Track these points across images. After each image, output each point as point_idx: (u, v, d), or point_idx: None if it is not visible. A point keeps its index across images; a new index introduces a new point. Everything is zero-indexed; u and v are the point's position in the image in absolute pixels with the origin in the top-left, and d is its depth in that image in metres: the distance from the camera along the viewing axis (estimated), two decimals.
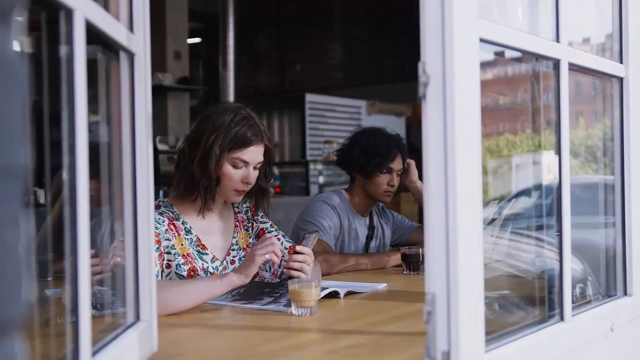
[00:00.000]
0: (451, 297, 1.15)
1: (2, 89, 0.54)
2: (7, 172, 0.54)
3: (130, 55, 1.32)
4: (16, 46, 0.58)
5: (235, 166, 2.18)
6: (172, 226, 2.15)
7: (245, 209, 2.40)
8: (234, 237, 2.32)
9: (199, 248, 2.20)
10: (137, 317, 1.35)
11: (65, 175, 1.01)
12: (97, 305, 1.35)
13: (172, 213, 2.19)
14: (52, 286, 1.36)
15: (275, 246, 1.99)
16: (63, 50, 0.99)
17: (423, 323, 1.17)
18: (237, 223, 2.36)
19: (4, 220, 0.54)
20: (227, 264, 2.26)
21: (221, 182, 2.19)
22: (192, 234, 2.20)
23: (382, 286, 2.31)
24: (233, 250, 2.31)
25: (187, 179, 2.18)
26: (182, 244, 2.15)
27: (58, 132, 1.01)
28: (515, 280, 1.83)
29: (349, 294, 2.14)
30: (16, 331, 0.57)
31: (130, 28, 1.33)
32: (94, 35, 1.10)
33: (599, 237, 1.94)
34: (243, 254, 2.31)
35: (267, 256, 1.97)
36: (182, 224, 2.20)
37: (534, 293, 1.74)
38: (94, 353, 1.07)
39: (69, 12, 0.98)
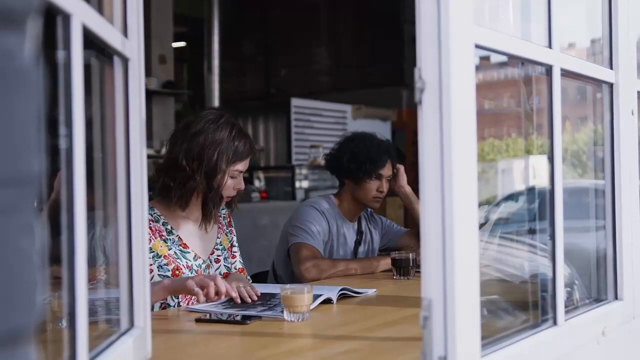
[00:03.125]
0: (448, 302, 1.15)
1: (18, 96, 0.53)
2: (22, 180, 0.53)
3: (125, 61, 1.32)
4: (31, 53, 0.58)
5: (232, 177, 2.27)
6: (149, 229, 2.18)
7: (223, 216, 2.48)
8: (218, 237, 2.40)
9: (180, 247, 2.26)
10: (132, 324, 1.34)
11: (58, 180, 1.00)
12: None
13: (151, 215, 2.23)
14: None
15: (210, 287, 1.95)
16: (60, 55, 0.99)
17: (417, 328, 1.17)
18: (220, 225, 2.44)
19: (19, 227, 0.54)
20: (210, 262, 2.34)
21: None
22: (173, 234, 2.26)
23: (372, 291, 2.32)
24: (217, 249, 2.39)
25: (188, 193, 2.23)
26: (161, 246, 2.21)
27: (53, 136, 1.00)
28: (507, 285, 1.84)
29: (342, 297, 2.15)
30: (31, 338, 0.56)
31: (125, 33, 1.32)
32: (89, 40, 1.09)
33: (587, 241, 1.95)
34: (227, 254, 2.41)
35: (195, 289, 1.92)
36: (163, 225, 2.25)
37: (525, 297, 1.75)
38: None
39: (67, 17, 0.97)
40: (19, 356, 0.55)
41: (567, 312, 1.53)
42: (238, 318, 1.85)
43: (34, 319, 0.57)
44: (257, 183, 7.49)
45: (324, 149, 7.09)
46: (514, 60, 1.59)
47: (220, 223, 2.43)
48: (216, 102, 8.94)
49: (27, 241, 0.55)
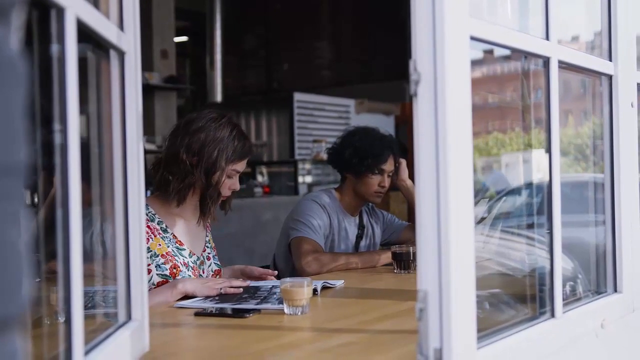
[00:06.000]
0: (443, 294, 1.15)
1: (3, 87, 0.54)
2: (9, 170, 0.54)
3: (121, 54, 1.32)
4: (16, 44, 0.58)
5: (229, 176, 2.29)
6: (147, 228, 2.20)
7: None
8: (207, 236, 2.44)
9: (177, 245, 2.28)
10: (129, 317, 1.34)
11: (56, 175, 1.00)
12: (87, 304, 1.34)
13: (147, 215, 2.24)
14: (42, 287, 1.34)
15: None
16: (54, 48, 0.99)
17: (415, 320, 1.17)
18: (208, 224, 2.47)
19: (6, 217, 0.54)
20: (203, 258, 2.38)
21: None
22: (168, 232, 2.28)
23: (340, 283, 2.34)
24: (208, 247, 2.43)
25: (186, 188, 2.25)
26: (159, 244, 2.23)
27: (48, 132, 1.00)
28: (506, 278, 1.84)
29: (324, 289, 2.19)
30: (17, 328, 0.57)
31: (121, 26, 1.32)
32: (84, 34, 1.09)
33: (588, 235, 1.95)
34: (214, 252, 2.45)
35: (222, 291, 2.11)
36: (158, 223, 2.27)
37: (525, 290, 1.75)
38: (86, 352, 1.07)
39: (60, 11, 0.97)
40: (4, 344, 0.55)
41: (565, 304, 1.53)
42: (234, 312, 1.85)
43: (21, 308, 0.57)
44: (259, 178, 7.49)
45: (327, 144, 7.08)
46: (516, 53, 1.59)
47: (208, 222, 2.46)
48: (218, 97, 8.94)
49: (13, 230, 0.55)
